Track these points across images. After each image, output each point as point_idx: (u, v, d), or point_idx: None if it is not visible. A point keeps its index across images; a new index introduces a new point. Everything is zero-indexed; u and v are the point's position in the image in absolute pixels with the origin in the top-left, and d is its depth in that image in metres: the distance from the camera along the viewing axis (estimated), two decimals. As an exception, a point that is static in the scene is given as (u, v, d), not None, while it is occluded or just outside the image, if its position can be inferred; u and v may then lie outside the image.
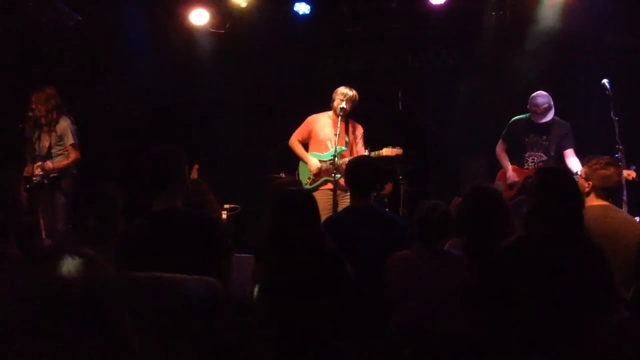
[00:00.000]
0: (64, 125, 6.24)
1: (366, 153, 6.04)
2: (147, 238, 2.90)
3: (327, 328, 2.91)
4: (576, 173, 4.49)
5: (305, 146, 6.38)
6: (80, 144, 6.34)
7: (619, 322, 2.53)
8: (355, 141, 6.26)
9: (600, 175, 3.69)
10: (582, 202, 2.92)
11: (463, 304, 3.09)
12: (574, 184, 2.88)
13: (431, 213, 3.26)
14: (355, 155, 5.97)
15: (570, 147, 6.10)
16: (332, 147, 5.95)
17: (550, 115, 6.04)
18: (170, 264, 2.77)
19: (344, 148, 6.09)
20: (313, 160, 6.20)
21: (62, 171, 6.17)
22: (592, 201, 3.70)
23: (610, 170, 3.69)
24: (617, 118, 5.60)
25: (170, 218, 2.96)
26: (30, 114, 6.11)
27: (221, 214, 6.18)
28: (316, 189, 6.08)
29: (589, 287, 2.64)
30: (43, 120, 6.13)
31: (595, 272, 2.67)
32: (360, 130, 6.31)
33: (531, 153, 6.22)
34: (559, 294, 2.62)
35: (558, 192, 2.76)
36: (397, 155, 6.16)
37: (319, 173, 6.17)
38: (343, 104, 6.04)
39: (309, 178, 6.23)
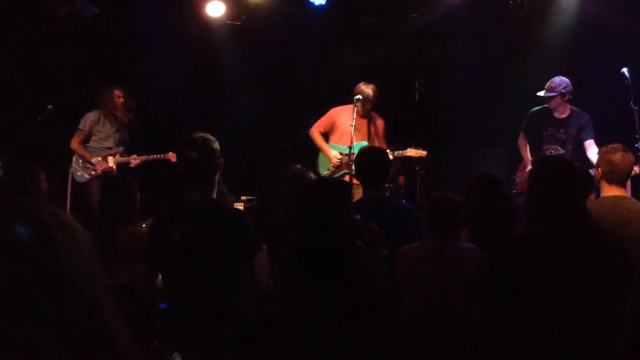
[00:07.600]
0: None
1: (389, 152, 5.99)
2: (176, 226, 2.85)
3: (354, 314, 2.91)
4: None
5: (325, 137, 6.39)
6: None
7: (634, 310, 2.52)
8: (376, 134, 6.26)
9: (607, 160, 3.61)
10: (584, 191, 2.86)
11: (476, 295, 3.08)
12: (572, 174, 2.80)
13: (437, 204, 3.25)
14: None
15: (589, 139, 6.00)
16: (354, 141, 5.93)
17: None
18: (197, 257, 2.78)
19: (365, 143, 6.09)
20: (334, 152, 6.20)
21: None
22: (606, 191, 3.63)
23: (617, 155, 3.60)
24: (636, 107, 5.54)
25: (203, 208, 2.89)
26: (118, 113, 6.44)
27: (232, 205, 6.22)
28: None
29: (600, 278, 2.61)
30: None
31: (604, 263, 2.63)
32: (381, 124, 6.34)
33: (549, 146, 6.15)
34: (570, 286, 2.60)
35: (555, 184, 2.72)
36: (420, 157, 6.12)
37: (340, 165, 6.17)
38: (368, 106, 6.07)
39: (328, 169, 6.23)
